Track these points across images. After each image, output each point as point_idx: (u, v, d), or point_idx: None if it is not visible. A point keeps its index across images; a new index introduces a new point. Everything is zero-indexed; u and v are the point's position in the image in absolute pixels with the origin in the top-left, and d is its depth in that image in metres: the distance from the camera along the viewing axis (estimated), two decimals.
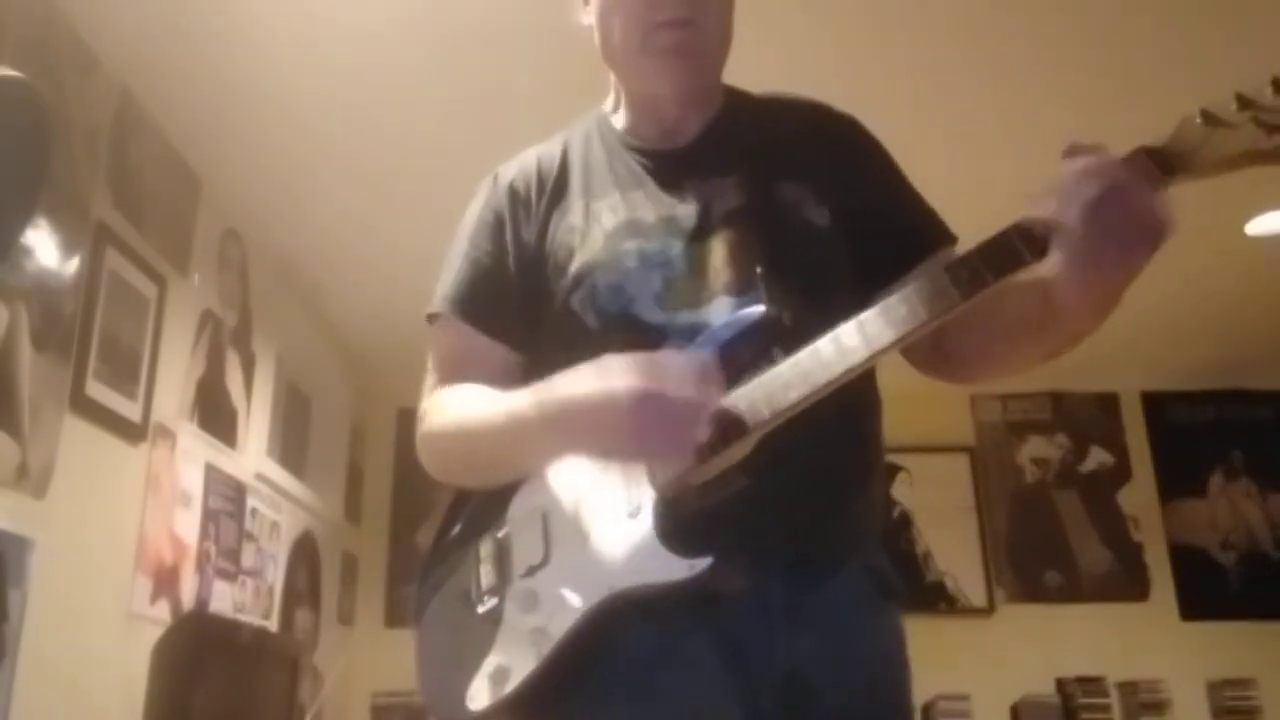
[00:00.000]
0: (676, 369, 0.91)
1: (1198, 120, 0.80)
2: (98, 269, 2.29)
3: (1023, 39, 2.40)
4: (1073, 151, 0.83)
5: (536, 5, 2.22)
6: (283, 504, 3.44)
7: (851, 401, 0.94)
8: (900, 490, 4.41)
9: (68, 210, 2.18)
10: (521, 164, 1.22)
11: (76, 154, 2.24)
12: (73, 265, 2.20)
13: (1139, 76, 2.50)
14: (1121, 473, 4.59)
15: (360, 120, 2.67)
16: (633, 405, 0.89)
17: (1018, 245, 0.84)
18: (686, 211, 1.10)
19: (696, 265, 1.07)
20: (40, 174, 2.07)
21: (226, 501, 2.95)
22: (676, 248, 1.08)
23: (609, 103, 1.25)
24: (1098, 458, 4.61)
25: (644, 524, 0.95)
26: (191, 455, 2.73)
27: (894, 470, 4.39)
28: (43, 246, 2.09)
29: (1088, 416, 4.67)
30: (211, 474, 2.85)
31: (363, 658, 4.01)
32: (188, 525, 2.69)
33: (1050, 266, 0.84)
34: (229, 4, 2.24)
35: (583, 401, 0.93)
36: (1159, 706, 4.06)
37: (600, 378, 0.92)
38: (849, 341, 0.90)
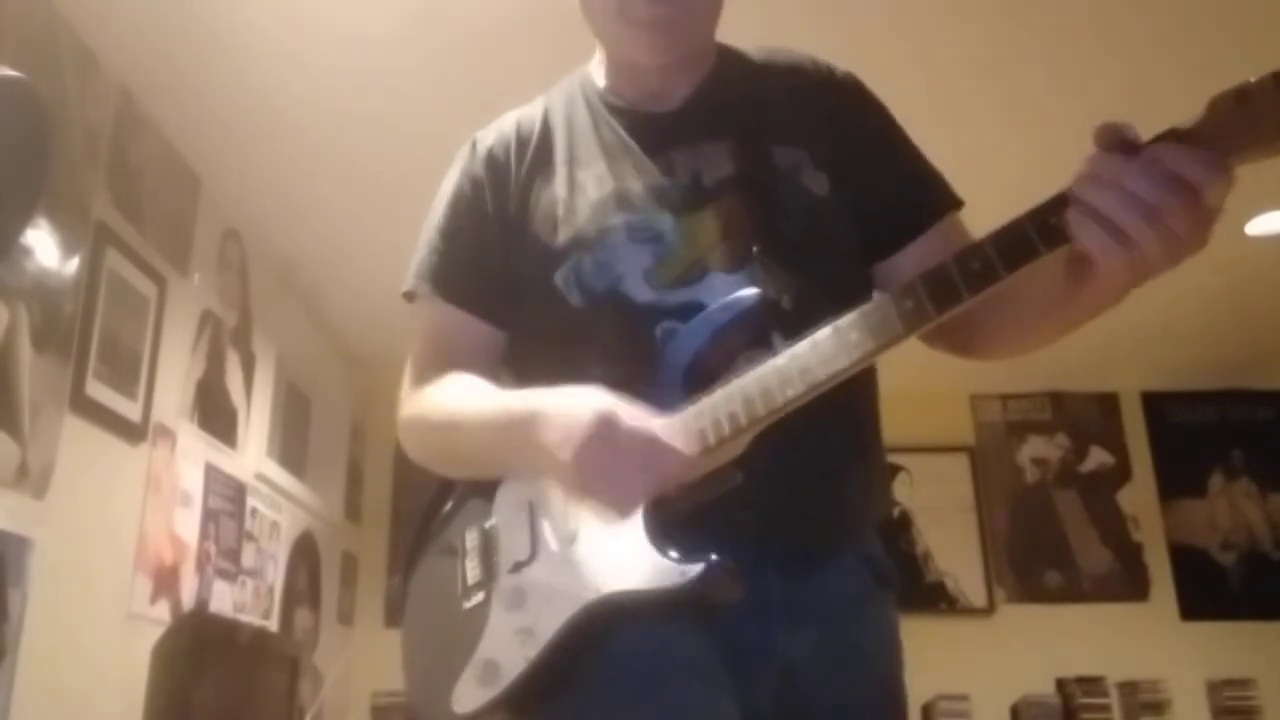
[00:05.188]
0: (651, 420, 0.88)
1: (1231, 100, 0.73)
2: (98, 269, 2.29)
3: (1028, 22, 2.39)
4: (1105, 136, 0.76)
5: (535, 10, 2.23)
6: (283, 504, 3.44)
7: (846, 384, 0.89)
8: (900, 490, 4.41)
9: (68, 210, 2.18)
10: (500, 129, 1.15)
11: (76, 154, 2.24)
12: (73, 265, 2.20)
13: (1144, 60, 2.49)
14: (1121, 473, 4.59)
15: (360, 121, 2.67)
16: (589, 434, 0.86)
17: (1032, 236, 0.78)
18: (676, 181, 1.05)
19: (688, 239, 1.01)
20: (40, 174, 2.07)
21: (226, 501, 2.95)
22: (666, 221, 1.03)
23: (594, 62, 1.18)
24: (1098, 458, 4.61)
25: (634, 525, 0.90)
26: (191, 455, 2.73)
27: (894, 470, 4.39)
28: (43, 246, 2.09)
29: (1088, 416, 4.67)
30: (211, 474, 2.85)
31: (363, 658, 4.01)
32: (188, 525, 2.69)
33: (1100, 266, 0.77)
34: (229, 5, 2.24)
35: (545, 417, 0.91)
36: (1159, 706, 4.06)
37: (571, 401, 0.90)
38: (851, 335, 0.84)
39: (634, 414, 0.88)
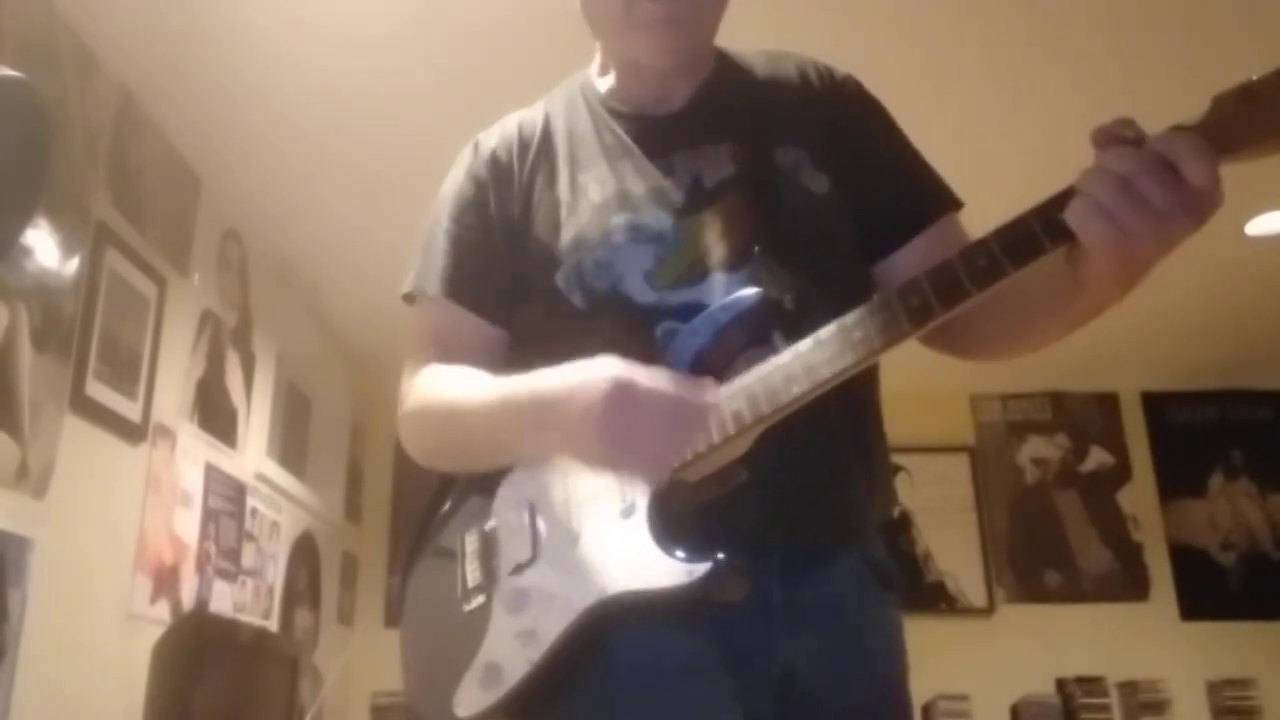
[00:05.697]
0: (668, 378, 0.87)
1: (1235, 97, 0.73)
2: (98, 269, 2.29)
3: (1036, 20, 2.39)
4: (1101, 135, 0.77)
5: (535, 10, 2.23)
6: (283, 504, 3.44)
7: (849, 383, 0.89)
8: (900, 490, 4.38)
9: (68, 210, 2.18)
10: (503, 131, 1.16)
11: (76, 154, 2.24)
12: (73, 265, 2.20)
13: (1149, 59, 2.49)
14: (1121, 473, 4.59)
15: (360, 121, 2.67)
16: (610, 402, 0.84)
17: (1037, 232, 0.78)
18: (677, 182, 1.05)
19: (689, 240, 1.02)
20: (40, 174, 2.06)
21: (226, 501, 2.95)
22: (668, 221, 1.03)
23: (594, 65, 1.19)
24: (1098, 458, 4.61)
25: (638, 524, 0.90)
26: (191, 455, 2.73)
27: (894, 470, 4.39)
28: (43, 246, 2.09)
29: (1088, 416, 4.67)
30: (211, 474, 2.85)
31: (363, 658, 4.01)
32: (188, 525, 2.69)
33: (1083, 242, 0.78)
34: (229, 5, 2.24)
35: (559, 394, 0.88)
36: (1159, 706, 4.06)
37: (584, 374, 0.87)
38: (856, 333, 0.85)
39: (648, 374, 0.87)
